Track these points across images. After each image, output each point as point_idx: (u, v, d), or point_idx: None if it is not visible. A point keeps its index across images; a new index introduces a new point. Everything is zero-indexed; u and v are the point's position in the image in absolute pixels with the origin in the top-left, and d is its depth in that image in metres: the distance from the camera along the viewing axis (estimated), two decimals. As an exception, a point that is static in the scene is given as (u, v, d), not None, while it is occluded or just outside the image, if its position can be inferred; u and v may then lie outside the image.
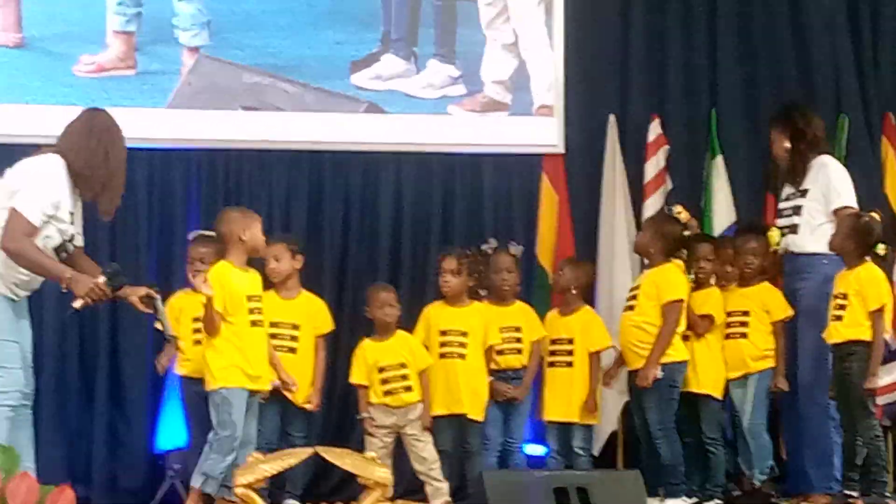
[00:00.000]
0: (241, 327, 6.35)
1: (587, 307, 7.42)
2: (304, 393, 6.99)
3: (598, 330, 7.31)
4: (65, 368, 7.72)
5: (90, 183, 5.55)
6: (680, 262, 7.15)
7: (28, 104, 7.71)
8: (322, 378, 7.12)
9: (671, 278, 7.06)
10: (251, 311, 6.40)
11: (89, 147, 5.57)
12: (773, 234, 7.30)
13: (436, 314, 7.21)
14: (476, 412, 7.06)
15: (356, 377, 7.07)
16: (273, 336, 6.79)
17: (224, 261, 6.41)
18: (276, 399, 6.82)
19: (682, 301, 7.03)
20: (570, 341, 7.29)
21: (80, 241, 5.79)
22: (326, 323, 7.15)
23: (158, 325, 5.96)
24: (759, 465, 7.18)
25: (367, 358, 7.03)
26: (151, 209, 7.90)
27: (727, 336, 7.27)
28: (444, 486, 6.94)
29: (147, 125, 7.71)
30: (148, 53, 7.95)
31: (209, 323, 6.31)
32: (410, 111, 8.19)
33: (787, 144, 7.34)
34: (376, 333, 7.07)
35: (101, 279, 5.41)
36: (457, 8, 8.34)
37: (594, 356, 7.25)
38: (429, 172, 8.27)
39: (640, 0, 8.63)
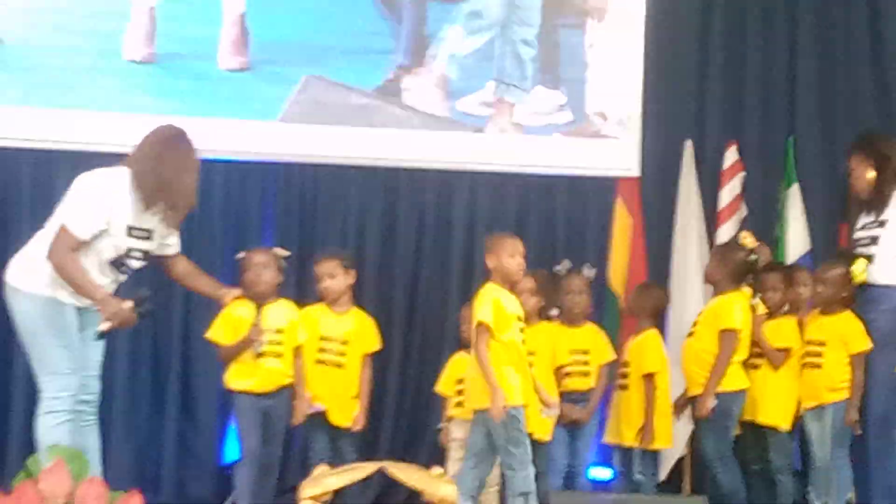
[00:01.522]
0: None
1: (650, 331, 7.37)
2: (349, 408, 6.97)
3: (653, 354, 7.25)
4: (137, 376, 7.81)
5: (145, 194, 5.56)
6: (746, 291, 7.09)
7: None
8: (367, 397, 7.07)
9: (730, 307, 6.97)
10: None
11: (144, 159, 5.60)
12: (858, 266, 7.17)
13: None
14: (543, 433, 7.05)
15: (441, 386, 7.12)
16: (321, 350, 6.85)
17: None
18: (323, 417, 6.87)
19: (737, 330, 6.94)
20: (626, 364, 7.28)
21: (171, 249, 5.85)
22: (374, 341, 7.12)
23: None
24: (839, 497, 7.07)
25: (454, 370, 7.07)
26: (226, 220, 7.98)
27: (805, 365, 7.16)
28: None
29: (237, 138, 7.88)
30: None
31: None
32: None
33: (872, 173, 7.20)
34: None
35: (129, 304, 5.44)
36: (560, 35, 8.37)
37: (648, 379, 7.22)
38: (503, 192, 8.29)
39: (720, 25, 8.61)
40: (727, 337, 6.93)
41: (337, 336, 6.97)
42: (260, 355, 6.54)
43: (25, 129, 7.72)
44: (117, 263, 5.59)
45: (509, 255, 6.44)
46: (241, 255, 6.76)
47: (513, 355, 6.31)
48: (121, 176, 5.56)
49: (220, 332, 6.61)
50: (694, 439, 7.51)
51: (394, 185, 8.20)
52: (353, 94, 8.08)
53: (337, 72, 8.05)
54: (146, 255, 5.72)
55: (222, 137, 7.81)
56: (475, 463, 6.31)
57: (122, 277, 5.71)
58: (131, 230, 5.57)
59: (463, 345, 7.14)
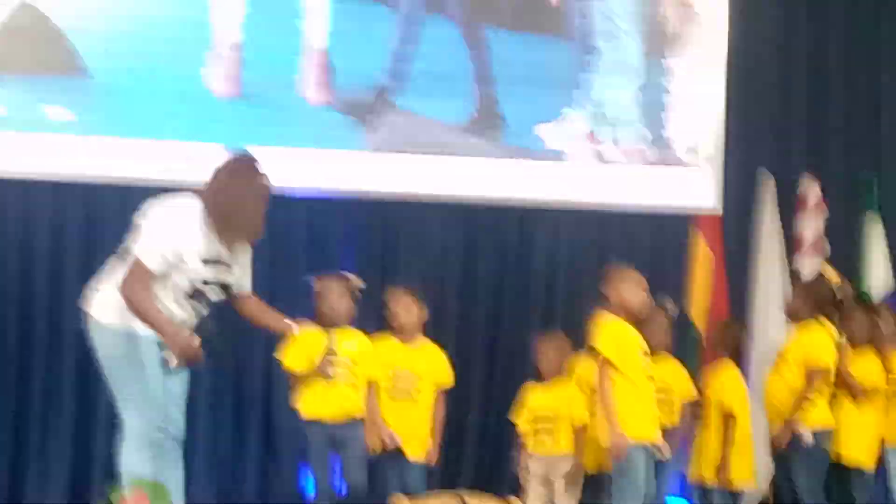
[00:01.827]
0: None
1: (729, 368, 7.30)
2: (422, 442, 6.92)
3: (733, 391, 7.16)
4: (218, 410, 7.85)
5: (216, 223, 5.47)
6: (829, 326, 7.02)
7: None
8: (440, 433, 7.02)
9: (819, 343, 6.91)
10: None
11: (213, 188, 5.52)
12: None
13: (586, 369, 7.19)
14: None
15: (516, 418, 7.09)
16: (394, 384, 6.84)
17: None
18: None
19: (827, 368, 6.89)
20: (706, 400, 7.22)
21: (243, 287, 5.83)
22: (448, 376, 7.04)
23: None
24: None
25: (528, 402, 7.06)
26: (309, 254, 8.01)
27: (890, 401, 7.09)
28: None
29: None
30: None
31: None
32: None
33: None
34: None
35: (196, 340, 5.43)
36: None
37: (727, 417, 7.14)
38: (583, 227, 8.30)
39: (801, 56, 8.57)
40: (816, 373, 6.83)
41: (410, 369, 6.93)
42: (331, 381, 6.54)
43: (109, 162, 7.80)
44: (196, 296, 5.58)
45: (633, 287, 6.40)
46: (314, 280, 6.76)
47: (638, 392, 6.26)
48: (192, 206, 5.55)
49: (293, 358, 6.60)
50: (775, 479, 7.43)
51: (473, 219, 8.22)
52: (436, 129, 8.12)
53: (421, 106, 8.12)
54: (225, 287, 5.72)
55: (306, 171, 7.91)
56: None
57: (204, 310, 5.70)
58: (206, 262, 5.56)
59: (537, 376, 7.13)
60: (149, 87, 7.83)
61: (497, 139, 8.15)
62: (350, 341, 6.70)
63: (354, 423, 6.65)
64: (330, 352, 6.56)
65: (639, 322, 6.38)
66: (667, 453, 6.71)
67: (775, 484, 7.50)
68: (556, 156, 8.21)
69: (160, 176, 7.55)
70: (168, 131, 7.86)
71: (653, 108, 8.34)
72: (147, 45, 7.86)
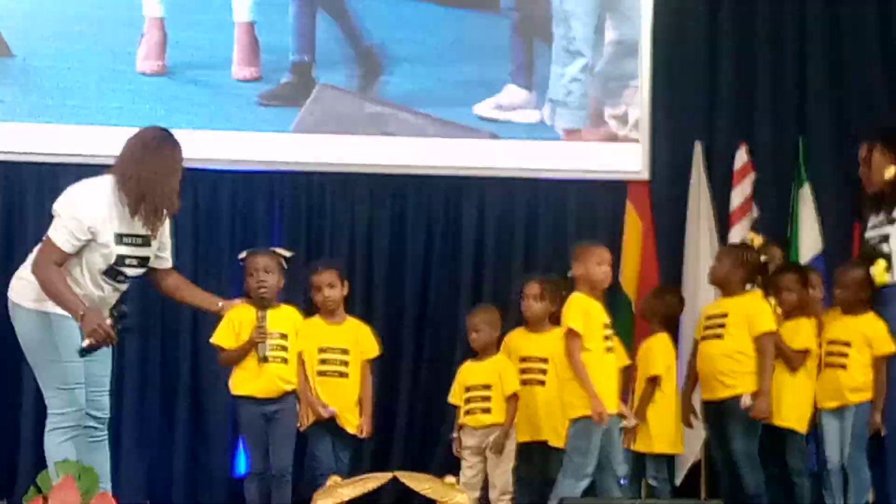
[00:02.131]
0: None
1: (660, 335, 7.32)
2: (355, 416, 6.94)
3: (660, 357, 7.20)
4: (146, 389, 7.80)
5: (130, 199, 5.44)
6: (758, 291, 7.05)
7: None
8: (371, 404, 7.03)
9: (761, 309, 6.94)
10: None
11: (127, 164, 5.50)
12: (879, 267, 7.07)
13: (516, 341, 7.19)
14: (557, 439, 7.01)
15: (452, 397, 7.10)
16: (322, 362, 6.82)
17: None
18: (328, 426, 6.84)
19: (775, 332, 6.92)
20: (634, 368, 7.28)
21: (164, 262, 5.79)
22: (374, 347, 7.07)
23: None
24: (857, 499, 7.01)
25: (463, 379, 7.07)
26: (234, 231, 7.95)
27: (826, 365, 7.09)
28: None
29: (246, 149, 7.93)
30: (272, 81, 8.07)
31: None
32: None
33: (893, 169, 7.01)
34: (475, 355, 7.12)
35: (109, 321, 5.37)
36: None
37: (651, 382, 7.18)
38: (512, 197, 8.26)
39: (728, 24, 8.57)
40: (769, 339, 6.88)
41: (337, 346, 6.93)
42: (264, 359, 6.50)
43: (35, 143, 7.73)
44: (112, 273, 5.51)
45: (596, 263, 6.58)
46: (243, 254, 6.72)
47: (601, 364, 6.46)
48: (104, 184, 5.48)
49: (224, 336, 6.58)
50: (709, 444, 7.46)
51: (402, 192, 8.17)
52: (366, 103, 8.07)
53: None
54: (143, 261, 5.64)
55: (233, 149, 7.87)
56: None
57: (122, 286, 5.63)
58: (121, 237, 5.49)
59: (471, 353, 7.13)
60: (77, 71, 7.80)
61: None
62: (281, 317, 6.66)
63: (286, 398, 6.63)
64: (262, 329, 6.51)
65: (600, 295, 6.62)
66: (633, 419, 6.98)
67: (708, 448, 7.55)
68: (489, 128, 8.19)
69: (86, 159, 7.35)
70: (95, 114, 7.79)
71: (585, 79, 8.31)
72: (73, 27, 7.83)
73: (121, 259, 5.48)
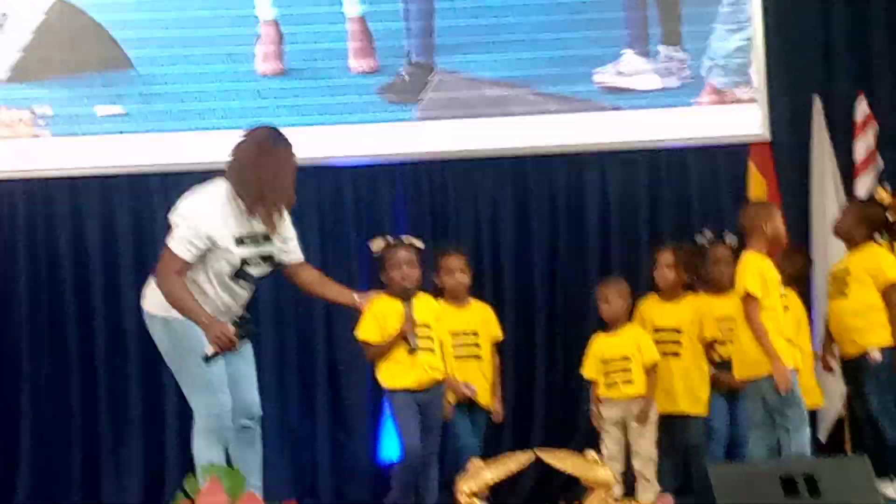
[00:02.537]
0: None
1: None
2: (488, 395, 7.03)
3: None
4: (284, 383, 7.88)
5: (247, 201, 5.51)
6: (882, 243, 6.96)
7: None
8: (501, 386, 7.15)
9: (885, 261, 6.88)
10: None
11: (241, 166, 5.56)
12: None
13: (650, 309, 7.19)
14: (695, 408, 6.99)
15: (585, 370, 7.12)
16: (456, 346, 6.84)
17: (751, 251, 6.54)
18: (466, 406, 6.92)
19: None
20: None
21: (291, 255, 5.84)
22: (498, 331, 7.16)
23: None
24: None
25: (597, 351, 7.07)
26: (360, 223, 8.00)
27: None
28: (654, 485, 6.92)
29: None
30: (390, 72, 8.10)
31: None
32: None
33: None
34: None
35: (231, 328, 5.45)
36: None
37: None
38: (634, 168, 8.22)
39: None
40: (894, 290, 6.86)
41: (469, 329, 7.01)
42: (413, 351, 6.50)
43: (160, 153, 7.87)
44: (238, 276, 5.59)
45: (770, 220, 6.55)
46: (378, 245, 6.68)
47: (778, 322, 6.40)
48: (218, 189, 5.55)
49: (370, 330, 6.51)
50: (851, 399, 7.38)
51: (523, 171, 8.17)
52: (485, 87, 8.07)
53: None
54: (267, 259, 5.71)
55: (356, 142, 7.96)
56: (763, 433, 6.46)
57: (251, 288, 5.71)
58: (241, 240, 5.56)
59: (602, 325, 7.12)
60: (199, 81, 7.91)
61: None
62: (424, 307, 6.63)
63: (438, 387, 6.61)
64: (411, 321, 6.49)
65: (774, 253, 6.65)
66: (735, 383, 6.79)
67: (849, 403, 7.47)
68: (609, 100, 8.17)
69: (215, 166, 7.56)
70: (219, 116, 7.90)
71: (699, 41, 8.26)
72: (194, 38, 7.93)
73: (244, 261, 5.56)
